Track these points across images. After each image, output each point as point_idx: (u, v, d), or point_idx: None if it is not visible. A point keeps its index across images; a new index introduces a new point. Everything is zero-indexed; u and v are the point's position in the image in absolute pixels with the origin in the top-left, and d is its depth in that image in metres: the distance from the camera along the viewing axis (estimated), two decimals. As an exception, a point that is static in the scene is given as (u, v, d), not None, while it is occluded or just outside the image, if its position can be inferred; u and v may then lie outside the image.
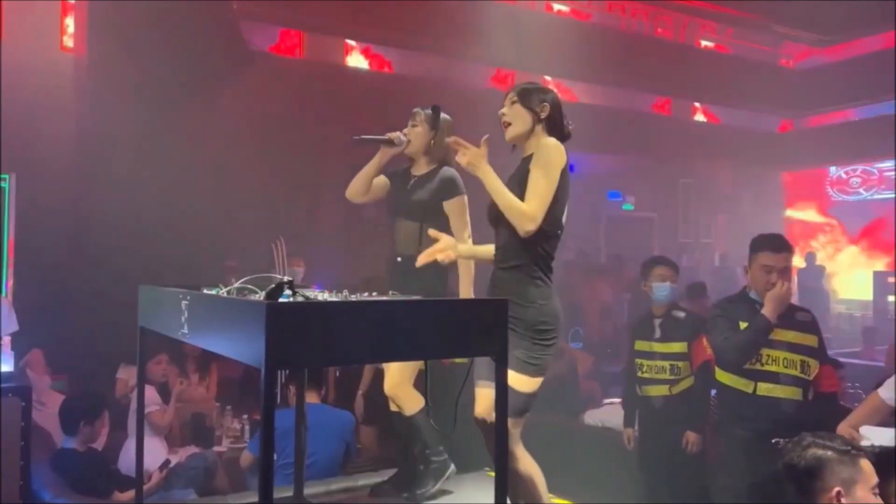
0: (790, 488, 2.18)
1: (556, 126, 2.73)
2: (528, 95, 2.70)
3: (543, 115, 2.69)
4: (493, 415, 2.55)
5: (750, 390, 3.40)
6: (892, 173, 12.49)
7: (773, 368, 3.38)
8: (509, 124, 2.70)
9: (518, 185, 2.63)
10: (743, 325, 3.42)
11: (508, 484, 2.04)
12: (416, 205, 3.08)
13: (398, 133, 3.15)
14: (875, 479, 2.12)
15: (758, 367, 3.39)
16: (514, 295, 2.60)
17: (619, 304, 7.98)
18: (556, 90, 2.79)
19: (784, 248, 3.45)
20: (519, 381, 2.59)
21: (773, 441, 3.07)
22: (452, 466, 3.12)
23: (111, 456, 4.52)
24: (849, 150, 12.02)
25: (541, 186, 2.54)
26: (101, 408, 4.14)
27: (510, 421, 2.56)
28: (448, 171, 3.09)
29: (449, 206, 3.04)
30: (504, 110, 2.72)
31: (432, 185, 3.08)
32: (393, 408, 3.22)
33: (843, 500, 2.06)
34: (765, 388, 3.37)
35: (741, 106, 11.40)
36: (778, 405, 3.35)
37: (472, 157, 2.60)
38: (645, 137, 10.71)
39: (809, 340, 3.40)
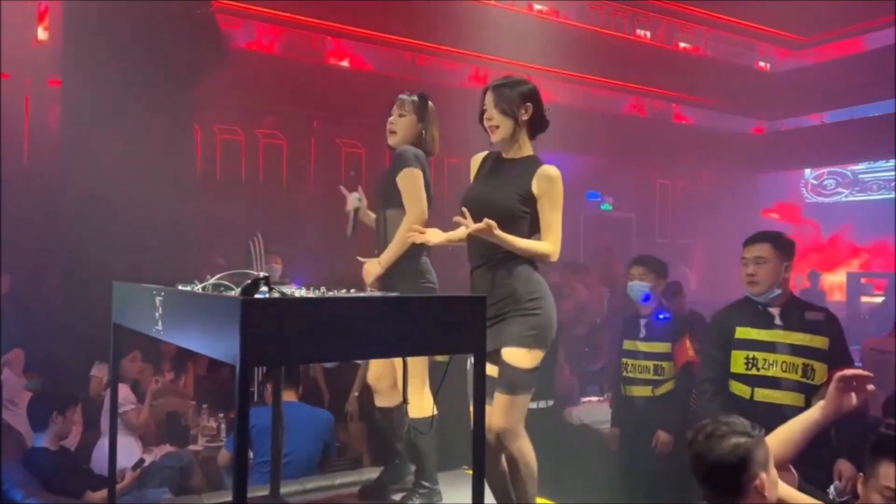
0: (711, 487, 2.07)
1: (536, 123, 2.75)
2: (509, 102, 2.68)
3: (525, 118, 2.71)
4: (500, 424, 2.58)
5: (747, 396, 3.24)
6: (866, 175, 12.69)
7: (770, 373, 3.20)
8: (497, 127, 2.71)
9: (516, 192, 2.66)
10: (741, 329, 3.29)
11: (485, 482, 2.04)
12: (381, 193, 3.01)
13: (352, 198, 3.13)
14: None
15: (753, 371, 3.24)
16: (498, 279, 2.64)
17: (597, 303, 8.00)
18: (531, 82, 2.78)
19: (759, 239, 3.33)
20: (521, 357, 2.60)
21: None
22: (443, 501, 3.02)
23: (84, 455, 4.46)
24: (823, 153, 12.18)
25: (556, 224, 2.67)
26: (73, 399, 4.08)
27: (511, 399, 2.60)
28: (402, 147, 2.95)
29: (400, 179, 2.89)
30: (488, 114, 2.72)
31: (391, 165, 2.98)
32: (382, 403, 3.17)
33: (766, 484, 2.03)
34: (762, 394, 3.21)
35: (718, 108, 11.51)
36: (779, 411, 3.08)
37: (482, 229, 2.54)
38: (624, 138, 10.78)
39: (817, 342, 3.17)
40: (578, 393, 5.90)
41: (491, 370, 2.56)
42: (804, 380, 3.16)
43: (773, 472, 2.08)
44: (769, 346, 3.22)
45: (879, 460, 2.28)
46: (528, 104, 2.70)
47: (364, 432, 5.10)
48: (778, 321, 3.23)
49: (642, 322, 4.29)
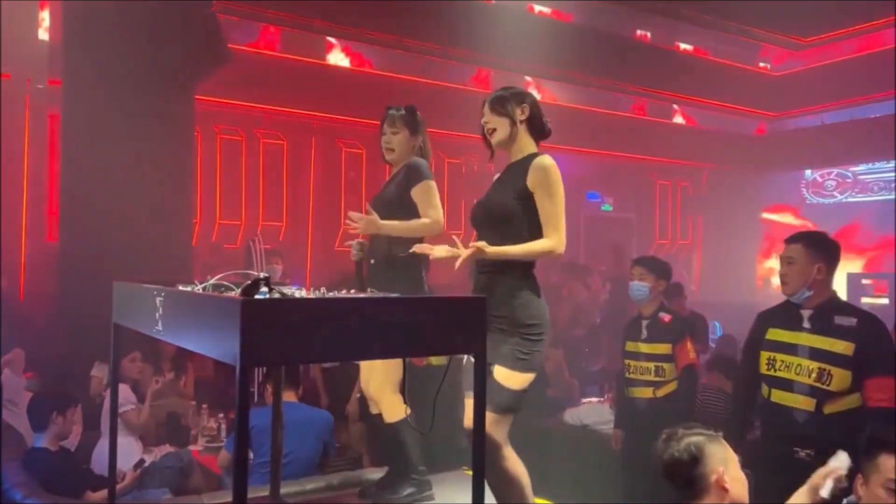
0: (675, 486, 2.23)
1: (536, 126, 2.77)
2: (502, 102, 2.72)
3: (522, 118, 2.72)
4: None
5: (766, 396, 3.26)
6: (867, 176, 12.68)
7: (784, 375, 3.18)
8: (494, 130, 2.73)
9: (512, 190, 2.66)
10: (772, 330, 3.28)
11: (486, 483, 2.04)
12: (384, 202, 3.06)
13: (354, 249, 3.09)
14: (737, 456, 2.23)
15: (771, 372, 3.24)
16: (500, 294, 2.63)
17: (596, 302, 8.00)
18: (533, 92, 2.80)
19: (792, 239, 3.28)
20: (508, 378, 2.61)
21: (795, 449, 3.07)
22: (432, 491, 3.09)
23: (84, 455, 4.46)
24: (824, 154, 12.17)
25: (555, 216, 2.62)
26: (72, 399, 4.07)
27: (497, 417, 2.59)
28: (413, 160, 3.05)
29: (415, 192, 2.99)
30: (486, 119, 2.75)
31: (398, 178, 3.06)
32: (374, 410, 3.19)
33: (725, 478, 2.14)
34: (777, 395, 3.21)
35: (719, 108, 11.50)
36: (789, 414, 3.16)
37: (472, 254, 2.55)
38: (624, 139, 10.78)
39: (840, 348, 3.07)
40: (578, 394, 5.90)
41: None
42: (818, 384, 3.09)
43: (737, 471, 2.19)
44: (790, 349, 3.19)
45: (877, 454, 2.30)
46: (525, 105, 2.73)
47: (364, 433, 5.10)
48: (806, 324, 3.19)
49: (644, 323, 4.29)
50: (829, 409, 3.08)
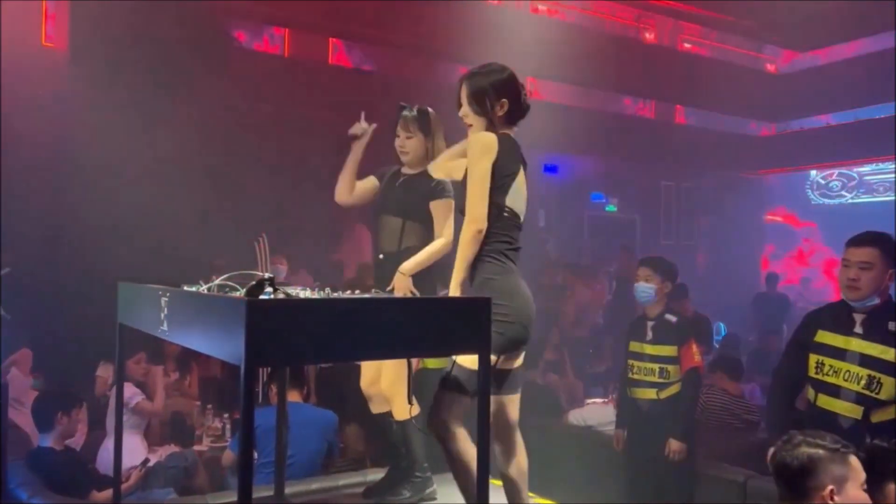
0: (780, 488, 2.19)
1: (513, 114, 2.67)
2: (481, 99, 2.62)
3: (501, 114, 2.63)
4: (438, 417, 2.51)
5: (812, 400, 3.16)
6: (872, 177, 12.65)
7: (832, 380, 3.08)
8: (471, 125, 2.68)
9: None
10: (822, 333, 3.16)
11: (489, 483, 2.05)
12: (402, 203, 3.07)
13: (357, 125, 3.19)
14: (864, 476, 2.13)
15: (819, 376, 3.13)
16: (469, 278, 2.61)
17: (598, 302, 8.00)
18: (532, 87, 2.74)
19: (864, 242, 3.09)
20: (469, 358, 2.42)
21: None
22: (434, 487, 3.10)
23: (89, 455, 4.47)
24: (829, 155, 12.14)
25: (471, 186, 2.53)
26: (77, 399, 4.09)
27: (459, 398, 2.48)
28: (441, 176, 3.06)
29: (435, 205, 3.02)
30: (463, 112, 2.67)
31: (423, 185, 3.06)
32: (377, 409, 3.20)
33: (835, 498, 2.07)
34: (823, 401, 3.10)
35: (723, 109, 11.48)
36: (835, 421, 3.02)
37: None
38: (628, 140, 10.75)
39: (891, 355, 2.94)
40: (583, 395, 5.90)
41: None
42: (866, 392, 2.99)
43: (856, 491, 2.11)
44: (839, 353, 3.08)
45: (886, 482, 2.27)
46: (504, 100, 2.62)
47: (367, 434, 5.10)
48: (858, 329, 3.05)
49: (649, 324, 4.27)
50: (876, 417, 2.97)
